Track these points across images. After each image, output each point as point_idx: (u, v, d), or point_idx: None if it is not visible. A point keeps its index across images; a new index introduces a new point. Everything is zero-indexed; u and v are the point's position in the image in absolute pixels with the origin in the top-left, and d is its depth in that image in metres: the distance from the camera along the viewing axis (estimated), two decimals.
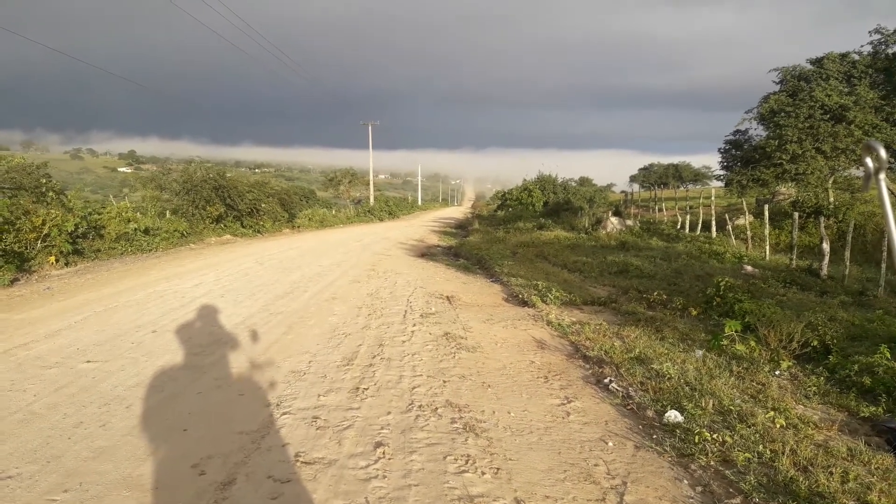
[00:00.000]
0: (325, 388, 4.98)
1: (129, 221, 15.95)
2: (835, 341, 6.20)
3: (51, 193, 15.55)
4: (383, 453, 3.72)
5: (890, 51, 18.10)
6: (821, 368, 5.67)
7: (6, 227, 11.24)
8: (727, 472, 3.53)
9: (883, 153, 1.11)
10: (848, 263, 10.83)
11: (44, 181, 16.98)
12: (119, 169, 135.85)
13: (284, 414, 4.36)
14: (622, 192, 49.17)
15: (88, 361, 5.61)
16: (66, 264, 12.44)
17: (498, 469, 3.56)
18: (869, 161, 1.13)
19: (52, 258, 12.08)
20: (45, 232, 12.06)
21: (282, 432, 4.03)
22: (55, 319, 7.39)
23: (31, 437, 3.92)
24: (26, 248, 11.69)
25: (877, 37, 18.05)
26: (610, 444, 3.99)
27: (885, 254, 10.06)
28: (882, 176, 1.13)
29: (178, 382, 5.06)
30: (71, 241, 12.72)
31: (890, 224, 1.15)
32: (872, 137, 17.45)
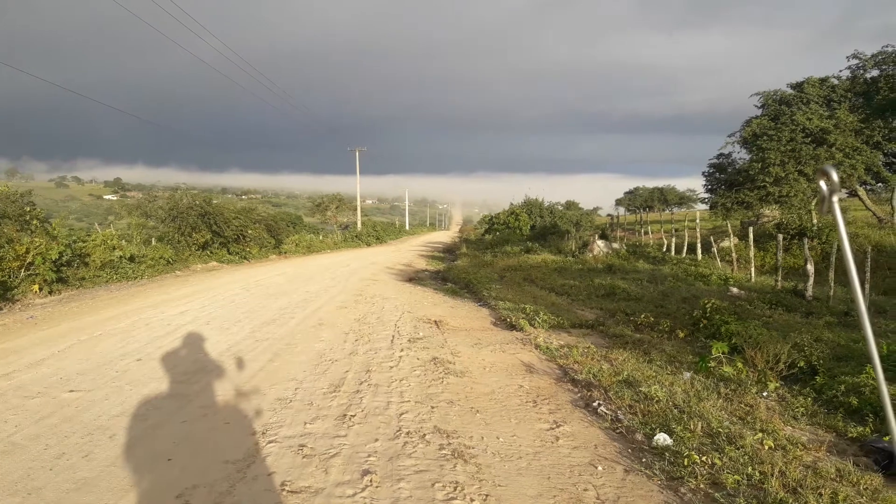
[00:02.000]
0: (312, 415, 4.92)
1: (114, 249, 15.84)
2: (821, 362, 6.23)
3: (35, 221, 15.41)
4: (371, 481, 3.67)
5: (868, 75, 18.55)
6: (808, 389, 5.69)
7: None
8: (717, 494, 3.52)
9: (835, 176, 1.15)
10: (833, 284, 10.94)
11: (28, 209, 16.83)
12: (104, 196, 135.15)
13: (270, 442, 4.30)
14: (608, 215, 49.54)
15: (72, 391, 5.52)
16: (51, 293, 12.30)
17: (487, 495, 3.52)
18: (823, 184, 1.18)
19: (36, 287, 11.94)
20: (28, 260, 11.95)
21: (268, 461, 3.97)
22: (38, 348, 7.28)
23: (11, 468, 3.83)
24: (9, 277, 11.56)
25: (855, 62, 18.51)
26: (599, 468, 3.97)
27: (867, 274, 10.18)
28: (835, 199, 1.18)
29: (162, 411, 4.98)
30: (55, 269, 12.59)
31: (843, 242, 1.20)
32: (853, 160, 17.78)
